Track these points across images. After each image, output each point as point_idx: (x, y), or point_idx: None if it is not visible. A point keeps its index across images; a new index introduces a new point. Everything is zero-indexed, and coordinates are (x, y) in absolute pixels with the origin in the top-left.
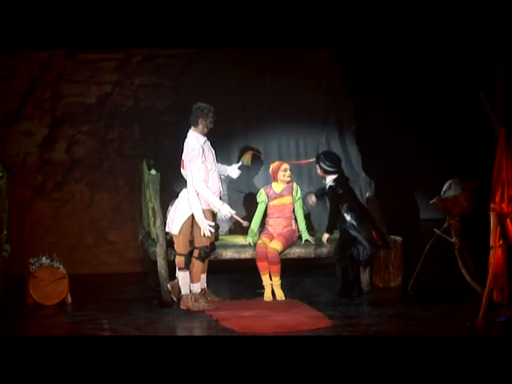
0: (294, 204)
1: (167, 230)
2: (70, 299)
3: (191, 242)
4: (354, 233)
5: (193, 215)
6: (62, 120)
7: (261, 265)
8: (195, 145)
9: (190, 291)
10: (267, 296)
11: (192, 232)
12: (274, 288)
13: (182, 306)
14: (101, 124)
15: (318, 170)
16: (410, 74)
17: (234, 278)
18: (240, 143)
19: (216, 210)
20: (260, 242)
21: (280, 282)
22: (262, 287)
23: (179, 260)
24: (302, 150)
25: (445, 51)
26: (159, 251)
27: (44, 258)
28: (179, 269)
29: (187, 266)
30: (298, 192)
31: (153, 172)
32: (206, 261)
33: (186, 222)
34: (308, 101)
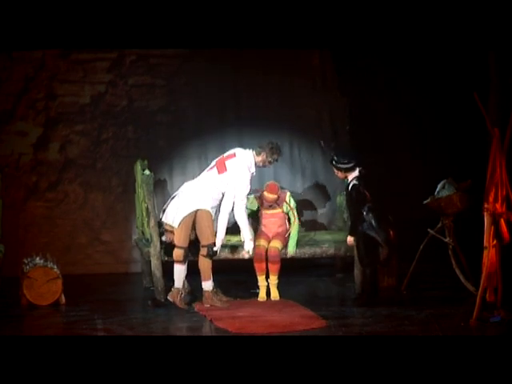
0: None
1: (165, 220)
2: (63, 299)
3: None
4: (372, 233)
5: (196, 212)
6: (56, 120)
7: (258, 266)
8: (247, 172)
9: (180, 287)
10: (261, 296)
11: (195, 229)
12: (271, 287)
13: (169, 297)
14: (94, 124)
15: (338, 174)
16: (404, 75)
17: (229, 278)
18: (233, 143)
19: (242, 238)
20: (258, 243)
21: (277, 281)
22: (257, 287)
23: (178, 253)
24: (296, 151)
25: (438, 51)
26: (153, 251)
27: (38, 258)
28: (177, 262)
29: (185, 259)
30: (291, 202)
31: (146, 172)
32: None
33: (187, 216)
34: (302, 101)
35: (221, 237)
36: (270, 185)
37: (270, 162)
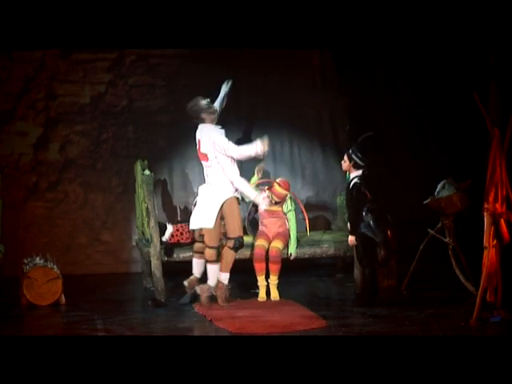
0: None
1: (197, 227)
2: (63, 299)
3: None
4: (370, 234)
5: (222, 205)
6: (56, 120)
7: (258, 266)
8: (220, 137)
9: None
10: (261, 296)
11: (223, 224)
12: (271, 287)
13: (214, 293)
14: (94, 124)
15: (345, 163)
16: (404, 75)
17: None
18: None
19: (251, 199)
20: (258, 243)
21: (277, 281)
22: (257, 287)
23: (210, 253)
24: (296, 150)
25: (439, 52)
26: (153, 252)
27: (38, 259)
28: (210, 262)
29: (218, 258)
30: (290, 204)
31: (146, 172)
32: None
33: (218, 214)
34: (302, 101)
35: (247, 189)
36: (283, 181)
37: (211, 109)
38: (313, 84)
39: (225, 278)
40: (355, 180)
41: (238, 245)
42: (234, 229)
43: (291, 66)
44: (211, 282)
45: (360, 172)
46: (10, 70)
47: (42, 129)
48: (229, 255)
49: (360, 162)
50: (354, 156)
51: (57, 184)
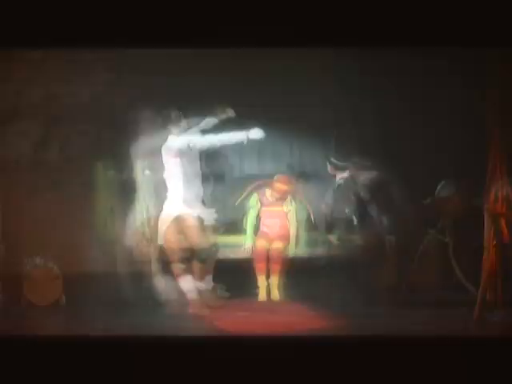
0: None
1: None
2: (63, 299)
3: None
4: (356, 236)
5: (174, 220)
6: (56, 120)
7: (259, 266)
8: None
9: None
10: (262, 296)
11: (182, 238)
12: (271, 287)
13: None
14: (94, 124)
15: (329, 168)
16: (404, 75)
17: (229, 277)
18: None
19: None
20: (259, 243)
21: (278, 281)
22: (257, 287)
23: (174, 268)
24: (297, 151)
25: (438, 51)
26: (153, 251)
27: (38, 258)
28: (177, 276)
29: (184, 271)
30: (291, 204)
31: (147, 172)
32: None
33: (165, 229)
34: (302, 102)
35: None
36: (281, 176)
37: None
38: (313, 84)
39: (202, 286)
40: (338, 182)
41: (203, 255)
42: (197, 240)
43: (291, 66)
44: (189, 295)
45: (345, 174)
46: (9, 69)
47: (42, 129)
48: (197, 266)
49: (338, 164)
50: (331, 159)
51: (57, 184)
